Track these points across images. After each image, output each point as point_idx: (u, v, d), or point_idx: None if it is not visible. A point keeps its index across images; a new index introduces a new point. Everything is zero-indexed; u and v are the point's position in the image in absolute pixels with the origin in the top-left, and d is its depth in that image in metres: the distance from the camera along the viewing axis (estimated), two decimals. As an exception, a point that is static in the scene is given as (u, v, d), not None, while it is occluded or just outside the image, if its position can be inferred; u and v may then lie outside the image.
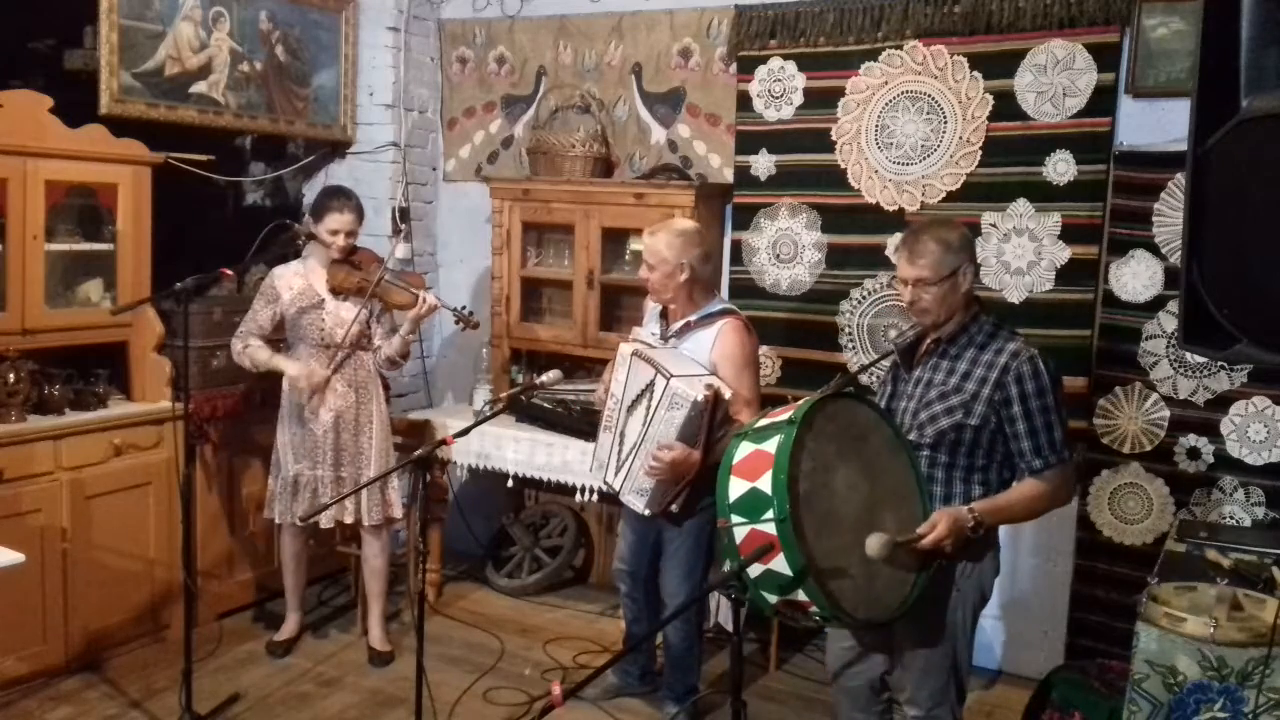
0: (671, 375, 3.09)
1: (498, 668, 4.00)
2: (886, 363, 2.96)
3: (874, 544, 2.27)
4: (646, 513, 3.24)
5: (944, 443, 2.58)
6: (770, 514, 2.19)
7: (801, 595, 2.24)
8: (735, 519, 2.27)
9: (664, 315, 3.48)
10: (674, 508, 3.27)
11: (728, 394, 3.14)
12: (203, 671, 3.71)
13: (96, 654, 3.81)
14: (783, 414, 2.39)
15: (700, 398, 3.05)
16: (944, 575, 2.57)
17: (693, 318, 3.37)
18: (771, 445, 2.28)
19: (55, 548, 3.62)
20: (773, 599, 2.30)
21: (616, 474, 3.34)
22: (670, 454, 3.11)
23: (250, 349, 3.80)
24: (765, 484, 2.24)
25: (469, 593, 4.77)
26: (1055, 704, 3.20)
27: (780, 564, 2.20)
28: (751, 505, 2.25)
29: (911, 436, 2.61)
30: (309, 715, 3.61)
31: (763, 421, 2.41)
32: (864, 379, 3.87)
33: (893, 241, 4.04)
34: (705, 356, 3.30)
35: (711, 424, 3.11)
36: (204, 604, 3.99)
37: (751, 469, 2.29)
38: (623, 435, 3.32)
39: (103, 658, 3.83)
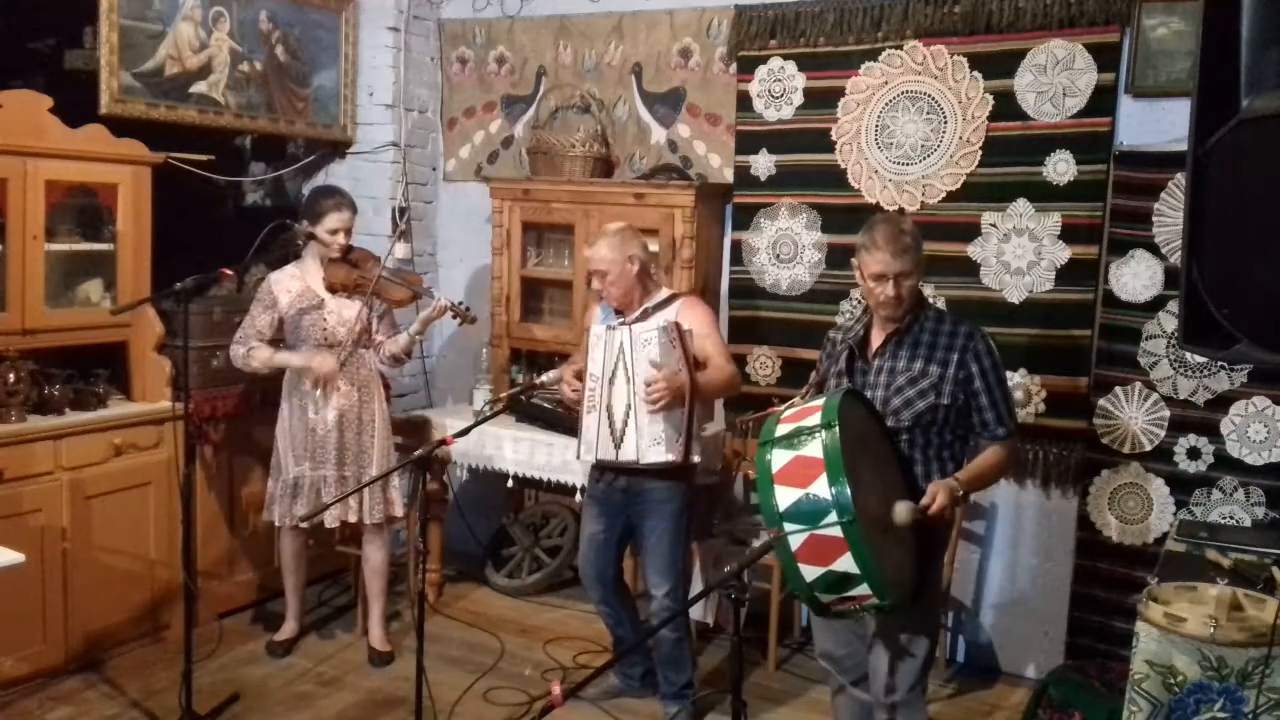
0: (628, 322, 3.38)
1: (498, 668, 4.00)
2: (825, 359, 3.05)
3: (901, 511, 2.43)
4: (670, 458, 3.32)
5: (920, 424, 2.71)
6: (833, 517, 2.25)
7: (863, 589, 2.31)
8: (790, 526, 2.30)
9: (618, 313, 3.56)
10: (695, 457, 3.40)
11: (686, 325, 3.37)
12: (203, 671, 3.71)
13: (96, 654, 3.81)
14: (805, 418, 2.43)
15: (664, 324, 3.31)
16: (926, 561, 2.69)
17: (650, 304, 3.51)
18: (814, 450, 2.33)
19: (55, 548, 3.62)
20: (828, 598, 2.36)
21: (618, 448, 3.38)
22: (661, 373, 3.27)
23: (254, 351, 3.80)
24: (821, 489, 2.28)
25: (469, 593, 4.77)
26: (1055, 704, 3.20)
27: (845, 564, 2.27)
28: (808, 511, 2.29)
29: (889, 423, 2.72)
30: (309, 715, 3.61)
31: (784, 428, 2.44)
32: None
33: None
34: None
35: (687, 352, 3.32)
36: (204, 604, 3.99)
37: (798, 476, 2.33)
38: (610, 409, 3.40)
39: (103, 658, 3.82)
